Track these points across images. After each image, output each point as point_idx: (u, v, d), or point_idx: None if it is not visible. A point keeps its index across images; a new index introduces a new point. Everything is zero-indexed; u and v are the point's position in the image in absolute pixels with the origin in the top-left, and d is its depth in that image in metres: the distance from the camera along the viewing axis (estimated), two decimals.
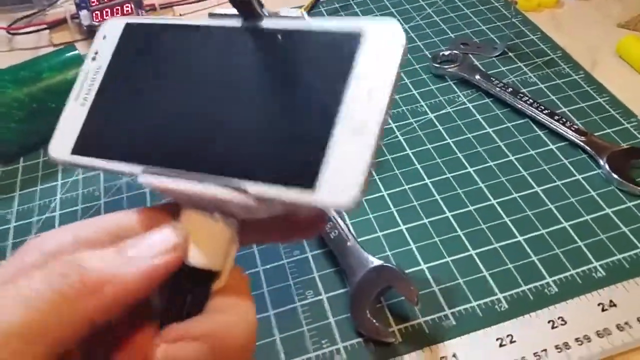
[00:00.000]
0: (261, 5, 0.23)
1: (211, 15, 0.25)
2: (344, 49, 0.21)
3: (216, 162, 0.22)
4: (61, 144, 0.25)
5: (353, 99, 0.20)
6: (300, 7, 0.60)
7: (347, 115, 0.20)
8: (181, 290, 0.21)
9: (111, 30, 0.26)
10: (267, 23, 0.23)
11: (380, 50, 0.21)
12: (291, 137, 0.21)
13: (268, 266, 0.38)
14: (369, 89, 0.20)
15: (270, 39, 0.23)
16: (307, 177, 0.19)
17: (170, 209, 0.23)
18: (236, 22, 0.24)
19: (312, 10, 0.60)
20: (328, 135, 0.20)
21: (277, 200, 0.20)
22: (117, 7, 0.62)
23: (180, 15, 0.63)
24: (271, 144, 0.21)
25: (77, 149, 0.25)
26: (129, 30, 0.26)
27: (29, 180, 0.47)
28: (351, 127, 0.20)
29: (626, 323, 0.33)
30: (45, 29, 0.64)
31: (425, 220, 0.40)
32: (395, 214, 0.40)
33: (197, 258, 0.21)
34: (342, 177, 0.19)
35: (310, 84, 0.21)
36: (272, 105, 0.22)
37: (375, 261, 0.35)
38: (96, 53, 0.26)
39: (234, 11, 0.24)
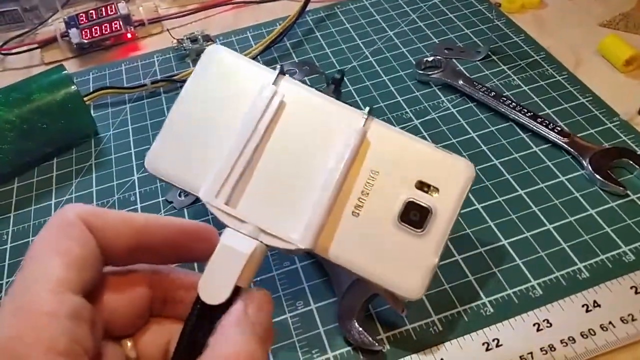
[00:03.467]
0: None
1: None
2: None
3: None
4: None
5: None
6: (286, 17, 0.61)
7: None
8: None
9: None
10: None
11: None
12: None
13: (258, 278, 0.39)
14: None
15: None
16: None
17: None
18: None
19: (298, 19, 0.61)
20: None
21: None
22: (105, 25, 0.63)
23: (168, 30, 0.64)
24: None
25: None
26: None
27: (23, 201, 0.48)
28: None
29: (610, 323, 0.34)
30: (36, 48, 0.65)
31: None
32: None
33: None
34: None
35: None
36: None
37: None
38: None
39: None
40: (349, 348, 0.35)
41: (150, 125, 0.53)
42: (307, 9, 0.62)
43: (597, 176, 0.41)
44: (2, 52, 0.65)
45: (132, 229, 0.23)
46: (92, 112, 0.54)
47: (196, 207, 0.44)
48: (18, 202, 0.48)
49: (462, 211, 0.40)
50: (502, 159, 0.44)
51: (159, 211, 0.45)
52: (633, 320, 0.33)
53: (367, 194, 0.27)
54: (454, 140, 0.46)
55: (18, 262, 0.43)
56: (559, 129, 0.45)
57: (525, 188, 0.42)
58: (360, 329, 0.34)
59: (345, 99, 0.51)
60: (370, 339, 0.34)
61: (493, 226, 0.40)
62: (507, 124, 0.47)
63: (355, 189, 0.27)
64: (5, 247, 0.44)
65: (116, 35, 0.64)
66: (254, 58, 0.58)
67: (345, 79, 0.54)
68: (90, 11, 0.64)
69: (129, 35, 0.64)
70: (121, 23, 0.63)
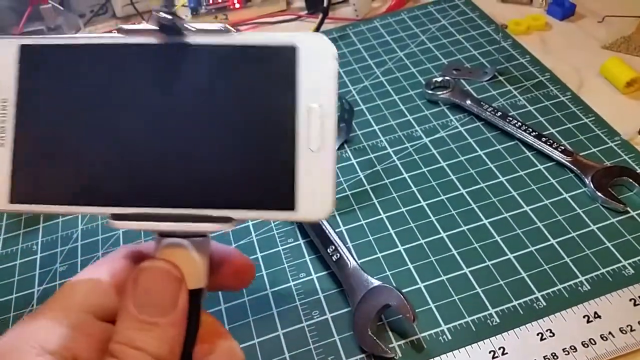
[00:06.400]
0: (180, 18, 0.23)
1: (122, 31, 0.23)
2: (283, 64, 0.22)
3: (189, 196, 0.22)
4: None
5: (305, 116, 0.21)
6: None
7: (304, 134, 0.21)
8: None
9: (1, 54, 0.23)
10: (193, 39, 0.22)
11: (316, 64, 0.22)
12: (262, 167, 0.22)
13: (276, 288, 0.41)
14: (319, 105, 0.21)
15: (203, 56, 0.22)
16: (287, 202, 0.21)
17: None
18: (156, 39, 0.23)
19: None
20: (294, 158, 0.21)
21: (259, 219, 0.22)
22: None
23: None
24: (241, 171, 0.22)
25: (19, 198, 0.23)
26: (28, 54, 0.23)
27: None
28: (311, 145, 0.21)
29: (610, 333, 0.36)
30: None
31: (422, 241, 0.43)
32: (394, 235, 0.43)
33: (190, 282, 0.23)
34: (315, 194, 0.21)
35: (260, 104, 0.22)
36: (228, 131, 0.22)
37: (374, 282, 0.38)
38: None
39: (146, 25, 0.23)
40: (363, 355, 0.37)
41: None
42: (321, 30, 0.64)
43: (599, 193, 0.43)
44: None
45: None
46: None
47: None
48: (46, 214, 0.50)
49: (470, 226, 0.43)
50: (508, 177, 0.46)
51: None
52: (632, 330, 0.35)
53: None
54: (462, 158, 0.48)
55: (47, 271, 0.45)
56: (563, 148, 0.47)
57: (530, 205, 0.44)
58: (374, 337, 0.36)
59: (357, 117, 0.53)
60: (383, 346, 0.36)
61: (499, 241, 0.42)
62: (513, 142, 0.49)
63: None
64: (35, 257, 0.47)
65: None
66: None
67: (357, 97, 0.57)
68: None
69: None
70: None
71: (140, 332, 0.21)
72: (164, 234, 0.23)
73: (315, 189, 0.21)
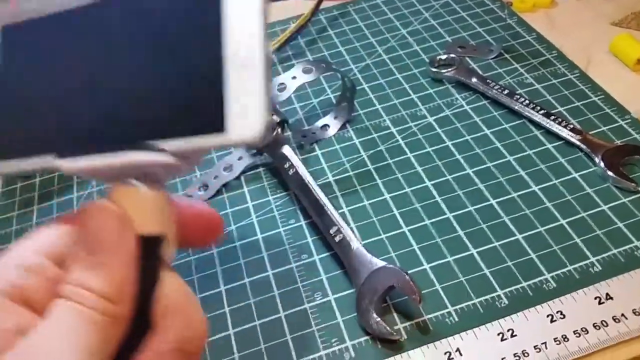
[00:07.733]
0: None
1: None
2: None
3: (123, 132, 0.22)
4: None
5: (231, 32, 0.20)
6: (300, 16, 0.62)
7: (230, 51, 0.20)
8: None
9: None
10: None
11: None
12: (186, 85, 0.20)
13: (277, 270, 0.40)
14: (243, 17, 0.20)
15: None
16: (215, 122, 0.20)
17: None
18: None
19: (311, 18, 0.62)
20: (221, 77, 0.20)
21: (194, 150, 0.21)
22: None
23: None
24: (168, 97, 0.21)
25: None
26: None
27: (45, 195, 0.49)
28: (238, 62, 0.20)
29: (622, 315, 0.34)
30: None
31: (427, 222, 0.41)
32: (398, 216, 0.42)
33: (141, 226, 0.22)
34: (246, 114, 0.19)
35: (183, 21, 0.20)
36: (152, 55, 0.21)
37: (378, 263, 0.37)
38: None
39: None
40: (367, 337, 0.35)
41: None
42: (321, 7, 0.63)
43: (610, 173, 0.42)
44: None
45: None
46: None
47: (215, 200, 0.45)
48: (40, 196, 0.49)
49: (477, 206, 0.42)
50: (516, 156, 0.45)
51: None
52: None
53: None
54: (468, 137, 0.47)
55: None
56: (572, 126, 0.46)
57: (539, 184, 0.43)
58: (379, 319, 0.35)
59: (359, 96, 0.52)
60: (388, 328, 0.35)
61: (507, 221, 0.40)
62: (520, 121, 0.48)
63: None
64: None
65: None
66: None
67: (359, 76, 0.55)
68: None
69: None
70: None
71: (86, 272, 0.20)
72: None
73: (246, 106, 0.20)
